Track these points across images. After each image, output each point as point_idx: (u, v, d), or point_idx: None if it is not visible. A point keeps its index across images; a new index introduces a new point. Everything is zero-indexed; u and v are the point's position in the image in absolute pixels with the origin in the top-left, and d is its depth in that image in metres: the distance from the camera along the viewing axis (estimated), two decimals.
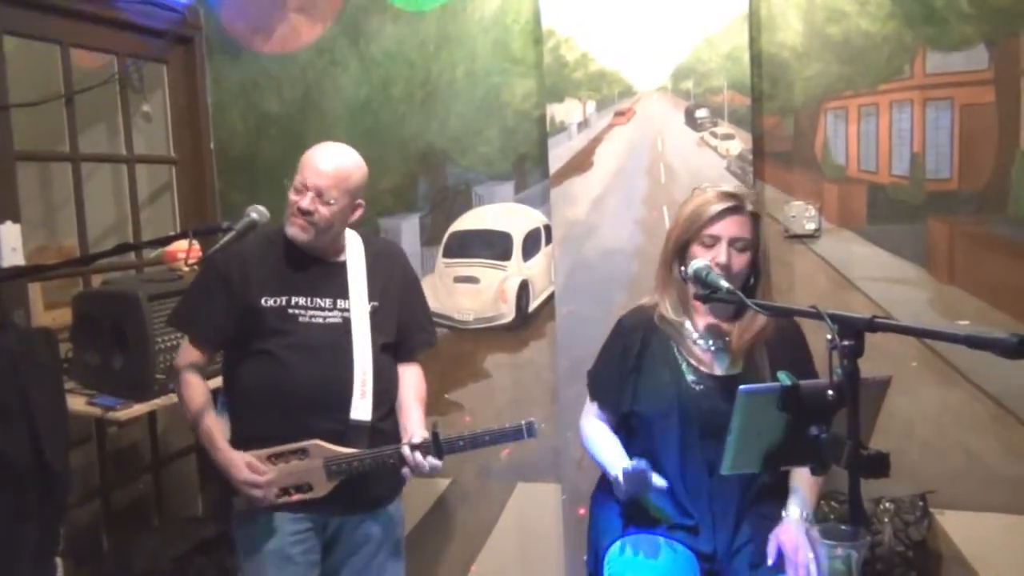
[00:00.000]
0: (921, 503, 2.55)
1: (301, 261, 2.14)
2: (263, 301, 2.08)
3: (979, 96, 2.51)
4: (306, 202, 2.05)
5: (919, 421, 2.59)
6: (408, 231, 3.09)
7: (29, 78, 2.69)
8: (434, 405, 3.05)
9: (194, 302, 2.18)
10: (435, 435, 2.06)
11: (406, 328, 2.27)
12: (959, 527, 2.58)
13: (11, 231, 2.42)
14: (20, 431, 2.19)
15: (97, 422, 2.86)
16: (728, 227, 1.95)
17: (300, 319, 2.10)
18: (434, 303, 3.06)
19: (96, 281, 2.87)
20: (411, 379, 2.29)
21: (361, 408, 2.08)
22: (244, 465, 2.04)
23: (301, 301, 2.11)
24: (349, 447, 2.06)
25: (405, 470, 2.06)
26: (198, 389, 2.13)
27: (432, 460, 2.05)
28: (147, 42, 3.01)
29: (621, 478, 1.83)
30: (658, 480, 1.86)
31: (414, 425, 2.15)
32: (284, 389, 2.06)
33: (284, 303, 2.09)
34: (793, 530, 1.84)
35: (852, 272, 2.66)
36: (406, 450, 2.04)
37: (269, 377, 2.07)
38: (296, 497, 2.07)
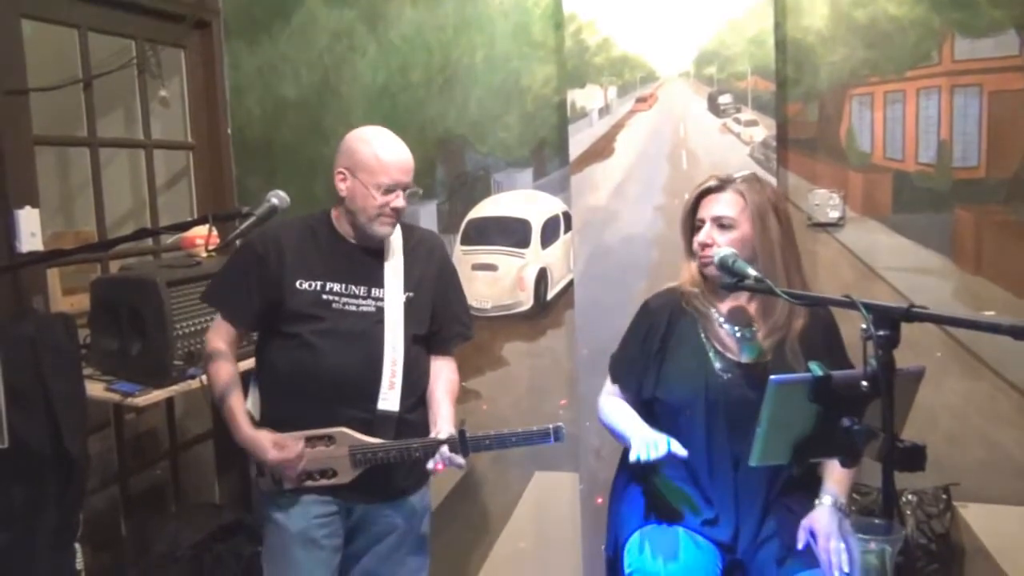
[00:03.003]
0: (944, 496, 2.52)
1: (340, 249, 2.13)
2: (298, 284, 2.08)
3: (1009, 83, 2.46)
4: (401, 201, 2.07)
5: (943, 412, 2.56)
6: (426, 218, 3.06)
7: (47, 62, 2.67)
8: None
9: (229, 280, 2.17)
10: (462, 433, 2.04)
11: (440, 319, 2.24)
12: (982, 520, 2.55)
13: (30, 216, 2.41)
14: (39, 417, 2.20)
15: (115, 408, 2.87)
16: (709, 206, 1.97)
17: (334, 306, 2.09)
18: None
19: (114, 267, 2.86)
20: (444, 373, 2.25)
21: (389, 398, 2.07)
22: (270, 445, 2.03)
23: (336, 288, 2.10)
24: (376, 436, 2.06)
25: (430, 464, 2.04)
26: (225, 369, 2.12)
27: (456, 458, 2.03)
28: (165, 27, 3.00)
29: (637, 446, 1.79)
30: (678, 448, 1.79)
31: (443, 420, 2.12)
32: (314, 375, 2.05)
33: (319, 288, 2.09)
34: (825, 518, 1.82)
35: (876, 261, 2.62)
36: (432, 447, 2.04)
37: (299, 362, 2.07)
38: (321, 482, 2.07)
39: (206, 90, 3.18)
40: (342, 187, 2.09)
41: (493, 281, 3.02)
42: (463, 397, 3.03)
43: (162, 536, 2.74)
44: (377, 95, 3.06)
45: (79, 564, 2.33)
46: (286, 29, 3.14)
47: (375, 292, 2.12)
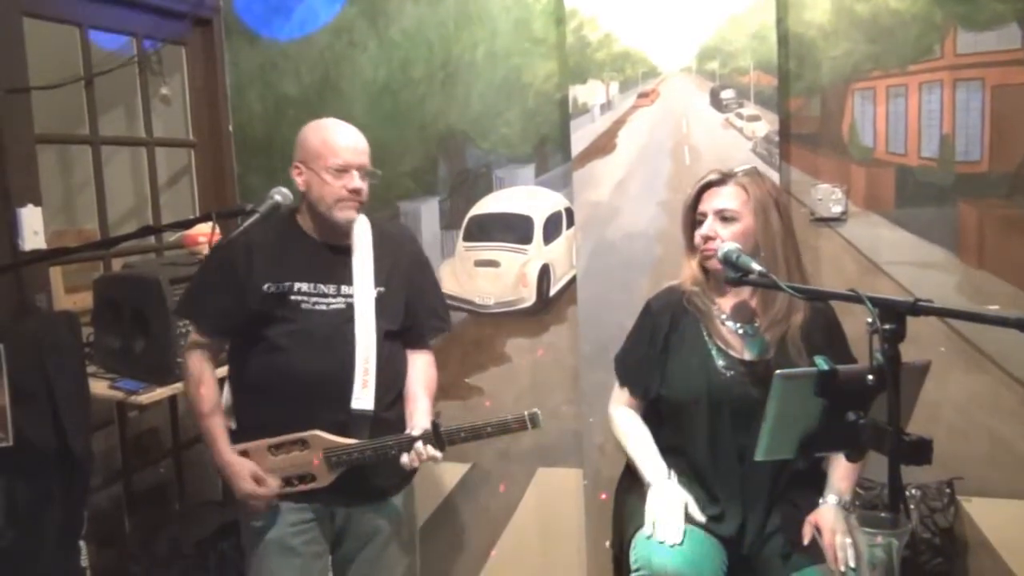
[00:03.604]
0: (948, 490, 2.52)
1: (306, 246, 2.09)
2: (265, 287, 2.03)
3: (1011, 76, 2.45)
4: (358, 182, 2.03)
5: (946, 407, 2.56)
6: (428, 214, 3.06)
7: (49, 60, 2.67)
8: (454, 389, 3.05)
9: (198, 290, 2.14)
10: (435, 426, 2.02)
11: (416, 313, 2.20)
12: (986, 514, 2.55)
13: (33, 214, 2.41)
14: (43, 415, 2.20)
15: (118, 406, 2.87)
16: (711, 200, 1.98)
17: (303, 306, 2.04)
18: (454, 287, 3.05)
19: (116, 265, 2.86)
20: (420, 367, 2.22)
21: (363, 398, 2.02)
22: (249, 476, 2.01)
23: (304, 287, 2.05)
24: (351, 437, 2.02)
25: (404, 458, 1.99)
26: (205, 384, 2.09)
27: (432, 451, 2.00)
28: (165, 24, 3.00)
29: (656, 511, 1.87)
30: (697, 514, 1.88)
31: (419, 416, 2.09)
32: (285, 378, 2.01)
33: (286, 289, 2.04)
34: (831, 514, 1.82)
35: (879, 256, 2.62)
36: (406, 443, 2.00)
37: (270, 366, 2.02)
38: (299, 487, 2.03)
39: (207, 87, 3.18)
40: (299, 181, 2.06)
41: (495, 277, 3.02)
42: (466, 394, 3.04)
43: (166, 533, 2.74)
44: (378, 92, 3.06)
45: (84, 562, 2.33)
46: (287, 26, 3.13)
47: (344, 289, 2.07)
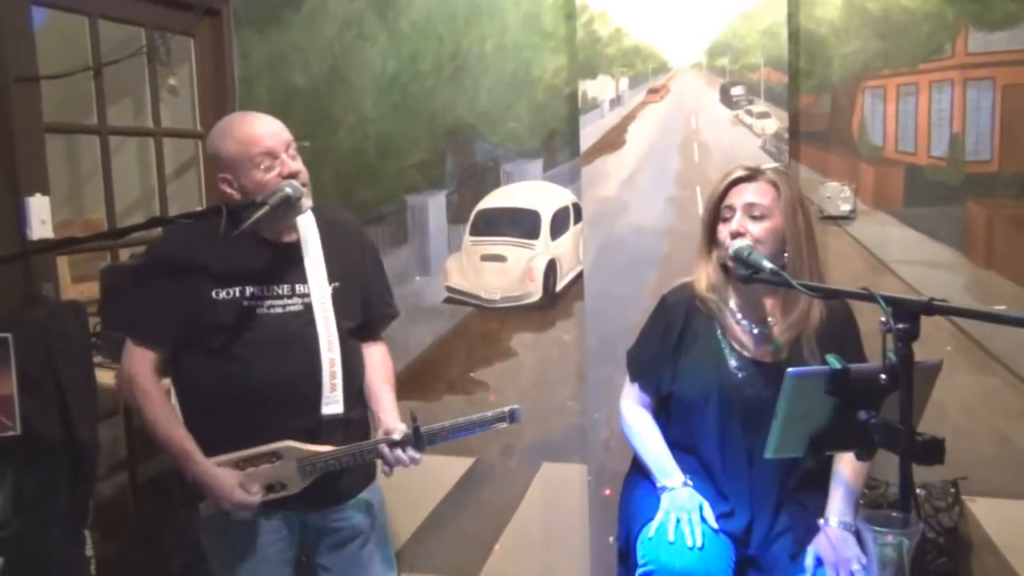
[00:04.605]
0: (953, 489, 2.52)
1: (252, 246, 1.93)
2: (215, 294, 1.91)
3: (1022, 76, 2.45)
4: (292, 163, 1.91)
5: (952, 406, 2.55)
6: (435, 208, 3.06)
7: (58, 50, 2.67)
8: (459, 384, 3.05)
9: (136, 300, 1.99)
10: (416, 429, 1.93)
11: (370, 305, 2.11)
12: (991, 514, 2.56)
13: (40, 203, 2.40)
14: (50, 404, 2.20)
15: None
16: (741, 195, 1.93)
17: (258, 311, 1.92)
18: (460, 281, 3.05)
19: (123, 255, 2.86)
20: (377, 360, 2.13)
21: (332, 402, 1.94)
22: (238, 486, 1.87)
23: (256, 291, 1.92)
24: (323, 443, 1.93)
25: (385, 457, 1.93)
26: (159, 399, 1.95)
27: (412, 453, 1.93)
28: (174, 14, 2.98)
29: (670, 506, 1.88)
30: (711, 519, 1.87)
31: (388, 414, 2.01)
32: (248, 391, 1.90)
33: (238, 294, 1.92)
34: (835, 539, 1.79)
35: (887, 255, 2.62)
36: (386, 447, 1.93)
37: (230, 379, 1.91)
38: (269, 497, 1.92)
39: (215, 78, 3.17)
40: (232, 192, 1.92)
41: (502, 272, 3.01)
42: (471, 388, 3.04)
43: (170, 523, 2.75)
44: (387, 84, 3.05)
45: (89, 551, 2.34)
46: (296, 17, 3.12)
47: (299, 288, 1.96)
